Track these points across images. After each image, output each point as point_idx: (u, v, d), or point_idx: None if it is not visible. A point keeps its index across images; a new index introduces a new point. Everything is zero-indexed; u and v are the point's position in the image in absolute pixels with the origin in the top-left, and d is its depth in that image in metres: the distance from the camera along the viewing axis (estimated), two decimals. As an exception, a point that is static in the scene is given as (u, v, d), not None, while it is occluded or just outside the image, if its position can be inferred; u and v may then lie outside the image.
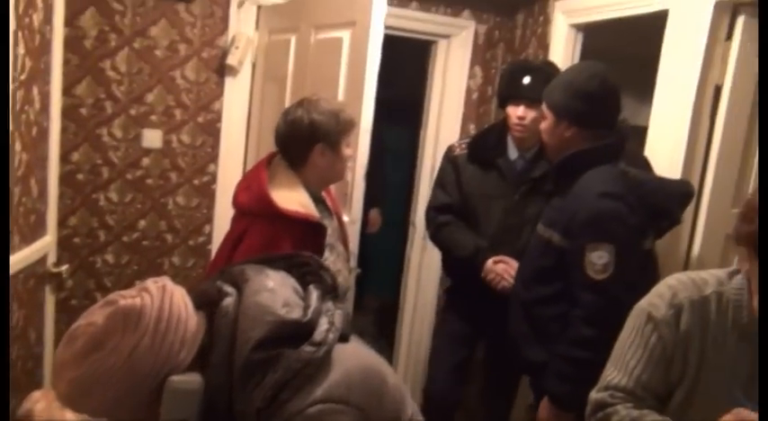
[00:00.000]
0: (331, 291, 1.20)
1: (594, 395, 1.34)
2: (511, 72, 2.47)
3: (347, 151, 2.08)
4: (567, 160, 1.98)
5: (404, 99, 4.06)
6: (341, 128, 2.02)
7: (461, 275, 2.61)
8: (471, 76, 3.58)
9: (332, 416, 1.03)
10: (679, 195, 2.03)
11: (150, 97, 3.03)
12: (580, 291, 1.85)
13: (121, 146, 3.03)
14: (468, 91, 3.59)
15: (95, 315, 1.03)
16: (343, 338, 1.15)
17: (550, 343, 1.94)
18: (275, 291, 1.12)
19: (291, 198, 1.95)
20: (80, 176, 2.99)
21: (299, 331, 1.07)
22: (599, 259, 1.79)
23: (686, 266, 2.31)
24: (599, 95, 1.96)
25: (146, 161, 3.08)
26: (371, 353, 1.24)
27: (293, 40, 2.82)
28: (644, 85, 2.51)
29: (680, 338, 1.27)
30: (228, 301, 1.10)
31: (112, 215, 3.08)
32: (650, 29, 2.49)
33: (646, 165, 2.19)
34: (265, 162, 2.06)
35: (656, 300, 1.33)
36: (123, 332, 0.99)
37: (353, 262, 2.36)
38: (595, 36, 3.03)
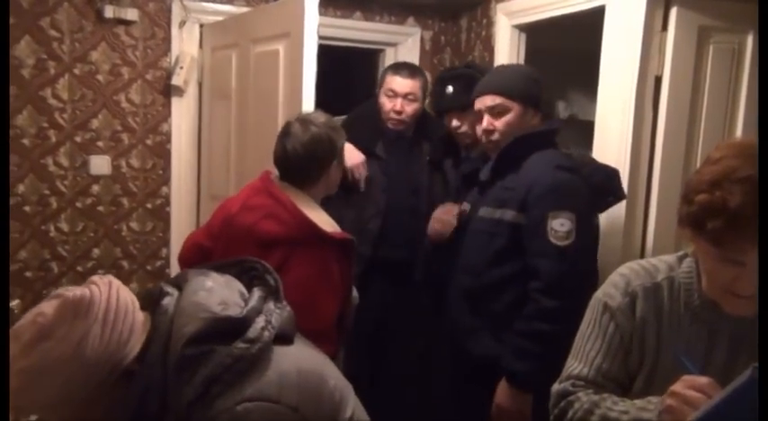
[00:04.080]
0: (274, 293, 1.22)
1: (556, 386, 1.34)
2: (435, 84, 2.47)
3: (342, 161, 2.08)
4: (513, 144, 1.97)
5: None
6: (345, 138, 2.03)
7: None
8: (421, 81, 3.59)
9: (260, 414, 1.05)
10: (614, 175, 2.09)
11: (95, 123, 2.97)
12: (540, 260, 1.83)
13: (69, 174, 2.96)
14: (420, 97, 3.60)
15: (43, 307, 1.03)
16: (286, 340, 1.18)
17: (503, 332, 1.89)
18: (213, 290, 1.15)
19: (320, 219, 1.88)
20: (27, 208, 2.91)
21: (233, 328, 1.09)
22: (561, 226, 1.80)
23: (642, 254, 2.35)
24: (542, 80, 2.04)
25: (95, 188, 3.02)
26: (315, 354, 1.27)
27: (234, 55, 2.80)
28: (591, 81, 2.55)
29: (636, 326, 1.28)
30: (168, 300, 1.13)
31: (65, 245, 3.00)
32: (593, 25, 2.54)
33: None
34: (276, 186, 1.93)
35: (610, 289, 1.33)
36: (73, 321, 1.00)
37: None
38: (540, 35, 3.07)
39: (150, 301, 1.14)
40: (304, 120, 1.96)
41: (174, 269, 3.14)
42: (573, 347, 1.39)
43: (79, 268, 3.03)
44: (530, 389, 1.85)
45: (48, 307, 1.03)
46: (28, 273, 2.94)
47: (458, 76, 2.36)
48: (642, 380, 1.28)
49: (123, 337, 1.04)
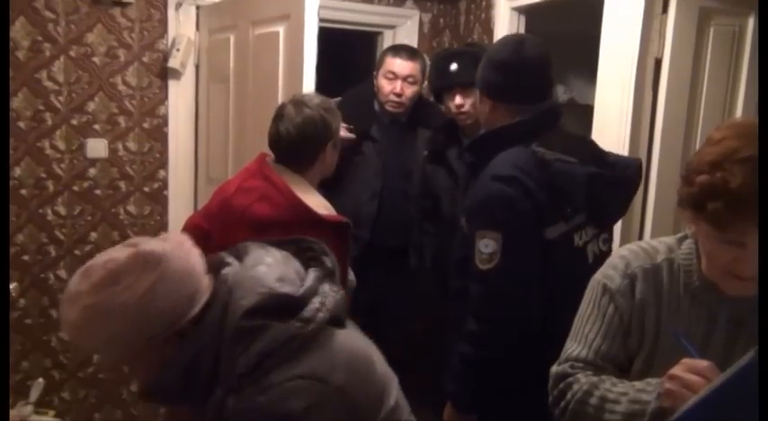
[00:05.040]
0: (330, 275, 1.23)
1: (555, 368, 1.34)
2: (436, 62, 2.39)
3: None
4: (476, 142, 1.85)
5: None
6: (340, 120, 2.01)
7: None
8: (419, 64, 3.57)
9: (309, 391, 1.06)
10: (587, 178, 1.72)
11: (92, 106, 2.95)
12: (471, 282, 1.70)
13: (65, 157, 2.94)
14: (418, 80, 3.58)
15: (116, 252, 1.06)
16: (339, 323, 1.19)
17: None
18: (272, 265, 1.16)
19: (315, 202, 1.87)
20: (24, 192, 2.89)
21: (289, 305, 1.11)
22: (485, 248, 1.64)
23: (641, 236, 2.35)
24: (512, 64, 1.76)
25: (92, 171, 3.00)
26: (365, 340, 1.27)
27: (232, 37, 2.77)
28: (590, 64, 2.54)
29: (636, 307, 1.28)
30: (228, 270, 1.15)
31: (62, 229, 2.99)
32: (593, 7, 2.52)
33: (591, 146, 1.94)
34: (271, 170, 1.91)
35: (610, 271, 1.33)
36: (142, 272, 1.03)
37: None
38: (540, 18, 3.05)
39: (210, 269, 1.16)
40: (297, 102, 1.94)
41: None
42: (572, 329, 1.39)
43: (77, 252, 3.02)
44: (461, 409, 1.77)
45: (120, 253, 1.06)
46: (25, 257, 2.93)
47: (461, 53, 2.33)
48: (641, 361, 1.28)
49: (185, 298, 1.07)
